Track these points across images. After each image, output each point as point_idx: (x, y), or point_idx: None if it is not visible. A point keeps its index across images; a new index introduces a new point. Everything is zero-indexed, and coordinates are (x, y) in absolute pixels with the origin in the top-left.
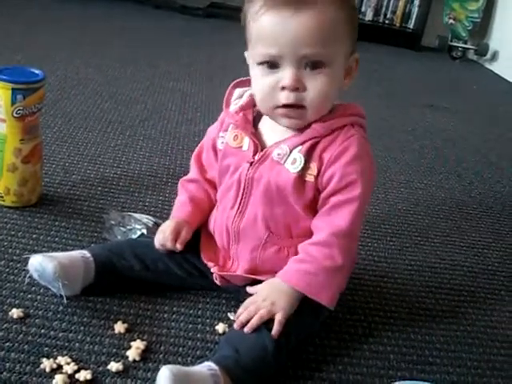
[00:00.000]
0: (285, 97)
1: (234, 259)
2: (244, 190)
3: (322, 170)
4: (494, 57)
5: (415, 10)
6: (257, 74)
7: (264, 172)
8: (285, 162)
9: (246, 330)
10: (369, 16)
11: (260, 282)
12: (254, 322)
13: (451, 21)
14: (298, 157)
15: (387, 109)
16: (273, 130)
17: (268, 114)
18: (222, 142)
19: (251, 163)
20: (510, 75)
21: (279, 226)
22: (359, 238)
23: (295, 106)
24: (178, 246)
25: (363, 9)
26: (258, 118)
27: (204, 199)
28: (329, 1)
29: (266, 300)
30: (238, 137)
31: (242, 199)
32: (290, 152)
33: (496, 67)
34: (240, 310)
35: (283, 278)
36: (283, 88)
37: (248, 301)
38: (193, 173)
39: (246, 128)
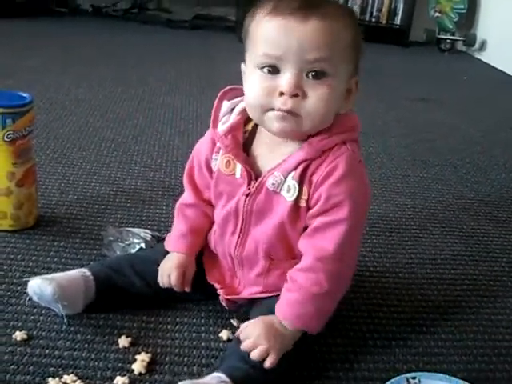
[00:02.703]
0: (282, 102)
1: (240, 280)
2: (243, 220)
3: (310, 193)
4: (483, 46)
5: (400, 6)
6: (255, 79)
7: (261, 203)
8: (280, 190)
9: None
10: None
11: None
12: (255, 358)
13: (437, 14)
14: (292, 184)
15: (379, 105)
16: (266, 154)
17: (258, 118)
18: (215, 165)
19: (247, 195)
20: (499, 63)
21: (280, 253)
22: (356, 260)
23: (291, 113)
24: (187, 289)
25: None
26: (250, 138)
27: (204, 223)
28: (337, 17)
29: (260, 336)
30: (230, 163)
31: (241, 228)
32: (285, 179)
33: (485, 56)
34: (237, 333)
35: (276, 311)
36: (281, 94)
37: (244, 332)
38: (189, 196)
39: (238, 154)
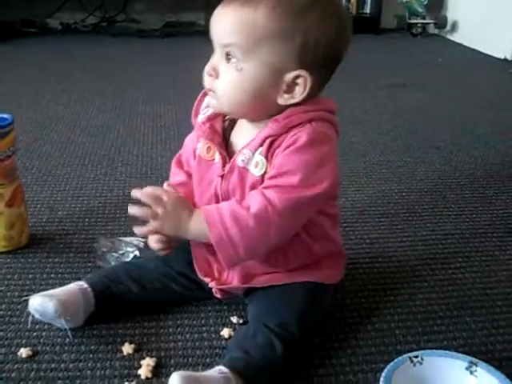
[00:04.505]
0: (205, 80)
1: (226, 269)
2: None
3: (271, 165)
4: (454, 27)
5: None
6: None
7: (235, 182)
8: (249, 165)
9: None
10: None
11: (257, 288)
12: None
13: None
14: (260, 159)
15: (358, 94)
16: (239, 138)
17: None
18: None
19: (222, 176)
20: (472, 42)
21: None
22: (291, 231)
23: (210, 90)
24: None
25: None
26: (230, 126)
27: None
28: (270, 5)
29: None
30: (210, 149)
31: None
32: (253, 155)
33: (457, 37)
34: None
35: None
36: None
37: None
38: (178, 175)
39: (214, 139)
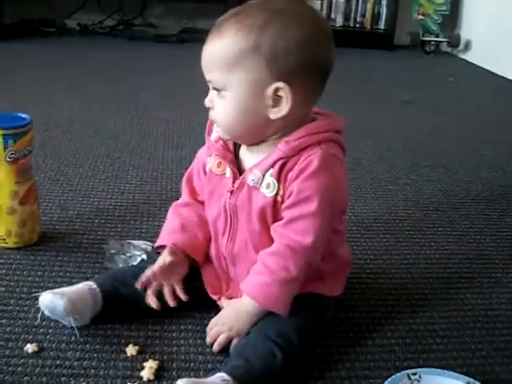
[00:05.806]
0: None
1: (234, 281)
2: (231, 217)
3: (285, 189)
4: (467, 46)
5: (384, 11)
6: None
7: (244, 199)
8: (260, 186)
9: (214, 349)
10: (339, 22)
11: None
12: (215, 349)
13: (420, 16)
14: (271, 181)
15: (367, 109)
16: (249, 155)
17: None
18: (208, 167)
19: (232, 191)
20: (484, 62)
21: (267, 248)
22: (321, 250)
23: (213, 121)
24: (183, 298)
25: (333, 15)
26: (239, 144)
27: (197, 223)
28: (233, 31)
29: (225, 324)
30: (221, 164)
31: (230, 226)
32: (263, 176)
33: (470, 56)
34: (207, 329)
35: (243, 287)
36: None
37: (213, 321)
38: (184, 196)
39: (226, 156)
